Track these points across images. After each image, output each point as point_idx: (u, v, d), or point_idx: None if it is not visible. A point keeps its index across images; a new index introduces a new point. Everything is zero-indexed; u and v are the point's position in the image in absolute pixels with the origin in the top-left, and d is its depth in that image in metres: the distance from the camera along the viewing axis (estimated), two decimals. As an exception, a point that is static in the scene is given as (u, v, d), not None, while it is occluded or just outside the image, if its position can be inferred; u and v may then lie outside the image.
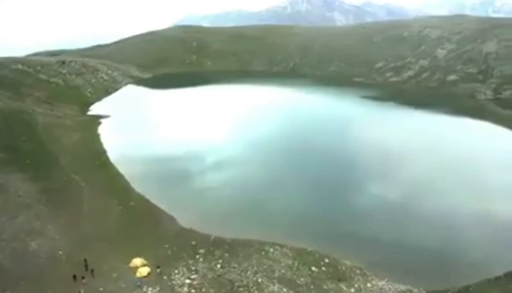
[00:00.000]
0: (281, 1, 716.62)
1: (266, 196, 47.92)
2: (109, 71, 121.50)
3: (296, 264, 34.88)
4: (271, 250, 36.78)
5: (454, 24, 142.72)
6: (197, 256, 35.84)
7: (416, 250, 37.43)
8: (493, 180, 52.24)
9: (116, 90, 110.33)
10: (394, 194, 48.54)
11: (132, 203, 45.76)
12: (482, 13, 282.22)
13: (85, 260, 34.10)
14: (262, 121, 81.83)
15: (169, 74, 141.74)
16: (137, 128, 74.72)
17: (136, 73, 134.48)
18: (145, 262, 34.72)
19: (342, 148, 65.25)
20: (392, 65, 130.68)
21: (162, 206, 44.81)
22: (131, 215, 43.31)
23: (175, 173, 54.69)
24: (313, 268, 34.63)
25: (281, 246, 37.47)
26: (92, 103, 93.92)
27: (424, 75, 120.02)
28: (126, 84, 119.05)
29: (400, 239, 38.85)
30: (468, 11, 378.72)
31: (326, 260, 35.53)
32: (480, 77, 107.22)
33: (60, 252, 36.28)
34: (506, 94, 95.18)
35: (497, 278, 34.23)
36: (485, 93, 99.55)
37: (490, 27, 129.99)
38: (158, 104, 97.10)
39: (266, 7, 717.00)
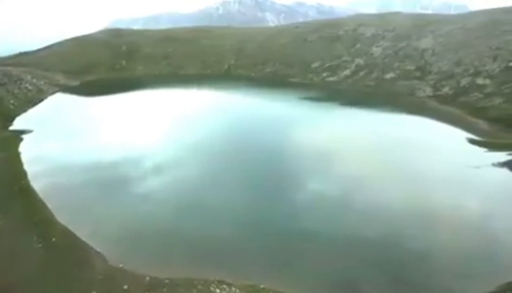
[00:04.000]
0: (212, 2, 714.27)
1: (206, 218, 41.52)
2: (34, 80, 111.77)
3: (248, 308, 29.27)
4: (218, 290, 30.41)
5: (388, 22, 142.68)
6: (131, 305, 29.81)
7: (388, 275, 32.61)
8: (445, 178, 49.71)
9: (41, 100, 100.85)
10: (353, 205, 43.90)
11: (54, 239, 38.05)
12: (410, 10, 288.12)
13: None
14: (198, 126, 76.18)
15: (98, 80, 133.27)
16: (63, 143, 66.02)
17: (63, 81, 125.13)
18: (66, 316, 28.61)
19: (288, 153, 60.65)
20: (328, 64, 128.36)
21: (89, 239, 37.68)
22: (53, 254, 35.75)
23: (103, 194, 47.23)
24: (268, 311, 29.04)
25: (229, 284, 31.27)
26: (16, 116, 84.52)
27: (361, 73, 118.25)
28: (52, 93, 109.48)
29: (365, 264, 33.80)
30: (397, 9, 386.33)
31: (282, 300, 30.19)
32: (418, 74, 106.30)
33: (-31, 307, 29.90)
34: (445, 90, 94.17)
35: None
36: (424, 90, 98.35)
37: (424, 23, 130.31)
38: (86, 113, 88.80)
39: (198, 9, 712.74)
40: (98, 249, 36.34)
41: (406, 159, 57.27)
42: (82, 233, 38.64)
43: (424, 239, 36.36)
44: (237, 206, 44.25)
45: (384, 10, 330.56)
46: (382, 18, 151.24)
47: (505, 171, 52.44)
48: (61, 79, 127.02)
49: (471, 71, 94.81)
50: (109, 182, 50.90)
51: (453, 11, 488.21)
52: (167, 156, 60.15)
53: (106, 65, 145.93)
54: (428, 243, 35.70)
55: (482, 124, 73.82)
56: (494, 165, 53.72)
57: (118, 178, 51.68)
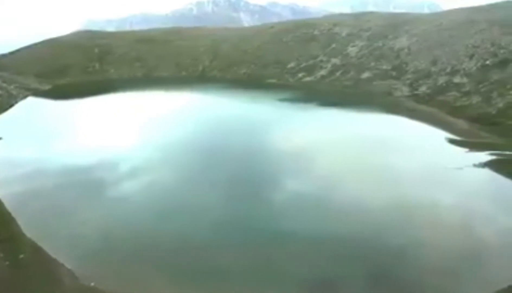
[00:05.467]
0: (186, 3, 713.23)
1: (186, 227, 39.21)
2: (4, 84, 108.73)
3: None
4: (198, 311, 28.47)
5: (363, 21, 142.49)
6: (102, 329, 27.31)
7: (372, 276, 30.88)
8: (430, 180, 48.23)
9: (11, 105, 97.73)
10: (333, 205, 42.31)
11: (21, 256, 35.34)
12: (384, 10, 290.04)
13: None
14: (174, 129, 74.91)
15: (70, 83, 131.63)
16: (34, 150, 63.36)
17: (35, 84, 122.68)
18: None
19: (268, 155, 59.23)
20: (304, 64, 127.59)
21: (59, 255, 34.83)
22: (20, 273, 33.14)
23: (76, 205, 44.29)
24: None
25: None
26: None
27: (337, 73, 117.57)
28: (23, 98, 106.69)
29: (353, 264, 32.27)
30: (370, 8, 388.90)
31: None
32: (394, 73, 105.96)
33: None
34: (422, 89, 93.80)
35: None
36: (401, 89, 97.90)
37: (399, 22, 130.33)
38: (58, 118, 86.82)
39: (172, 9, 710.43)
40: (68, 266, 33.63)
41: (386, 159, 56.31)
42: (52, 249, 36.01)
43: (410, 242, 35.08)
44: (218, 212, 42.31)
45: (357, 10, 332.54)
46: (357, 18, 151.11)
47: (487, 171, 51.67)
48: (32, 82, 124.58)
49: (448, 70, 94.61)
50: (82, 191, 48.40)
51: (426, 10, 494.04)
52: (143, 160, 58.09)
53: (78, 68, 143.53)
54: (414, 246, 34.45)
55: (461, 123, 73.34)
56: (475, 165, 52.91)
57: (91, 187, 49.30)
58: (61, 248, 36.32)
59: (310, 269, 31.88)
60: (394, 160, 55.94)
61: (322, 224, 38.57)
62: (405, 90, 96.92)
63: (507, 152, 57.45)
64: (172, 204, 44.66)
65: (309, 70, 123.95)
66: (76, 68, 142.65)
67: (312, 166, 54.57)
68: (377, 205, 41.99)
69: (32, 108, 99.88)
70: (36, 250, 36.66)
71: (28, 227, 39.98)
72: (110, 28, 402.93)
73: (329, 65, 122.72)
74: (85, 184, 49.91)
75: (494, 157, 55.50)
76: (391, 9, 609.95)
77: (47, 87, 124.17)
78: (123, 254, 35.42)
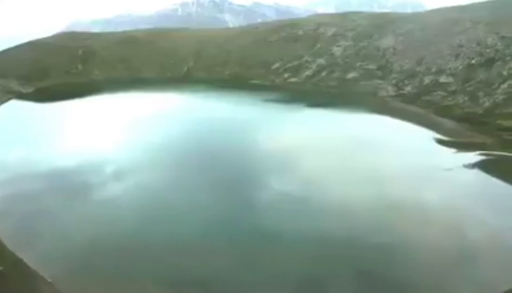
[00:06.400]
0: (171, 4, 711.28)
1: (175, 232, 37.44)
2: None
3: None
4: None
5: (348, 21, 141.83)
6: None
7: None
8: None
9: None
10: (320, 207, 41.19)
11: (1, 268, 32.55)
12: (368, 9, 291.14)
13: None
14: (160, 131, 73.12)
15: (53, 86, 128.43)
16: (16, 154, 61.37)
17: (17, 87, 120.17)
18: None
19: (256, 156, 58.64)
20: (289, 65, 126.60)
21: (39, 266, 32.43)
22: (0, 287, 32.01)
23: (59, 211, 42.18)
24: None
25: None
26: (-33, 128, 79.44)
27: (323, 74, 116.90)
28: (5, 101, 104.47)
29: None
30: (354, 8, 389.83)
31: None
32: (380, 73, 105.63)
33: None
34: (408, 89, 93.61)
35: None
36: (386, 89, 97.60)
37: (384, 22, 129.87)
38: (42, 121, 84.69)
39: (157, 10, 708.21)
40: (49, 279, 31.27)
41: (376, 160, 55.50)
42: (33, 260, 33.68)
43: (403, 243, 34.35)
44: (206, 215, 40.74)
45: (342, 9, 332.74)
46: (342, 18, 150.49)
47: (476, 172, 51.39)
48: (15, 85, 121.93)
49: (434, 69, 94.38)
50: (65, 197, 46.10)
51: (409, 10, 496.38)
52: (130, 164, 56.21)
53: (61, 70, 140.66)
54: (408, 248, 33.61)
55: (449, 123, 73.01)
56: (465, 166, 52.55)
57: (75, 192, 47.12)
58: (42, 259, 34.15)
59: (301, 270, 31.11)
60: (383, 161, 55.28)
61: (311, 224, 37.77)
62: (391, 90, 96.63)
63: (496, 152, 57.17)
64: (162, 209, 42.94)
65: (294, 71, 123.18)
66: (59, 70, 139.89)
67: (301, 168, 53.76)
68: (367, 206, 41.35)
69: (14, 111, 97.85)
70: (16, 261, 34.16)
71: (7, 237, 37.30)
72: (96, 29, 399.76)
73: (314, 66, 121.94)
74: (69, 189, 47.90)
75: (483, 157, 55.18)
76: (375, 8, 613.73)
77: (29, 89, 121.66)
78: (109, 264, 33.40)
